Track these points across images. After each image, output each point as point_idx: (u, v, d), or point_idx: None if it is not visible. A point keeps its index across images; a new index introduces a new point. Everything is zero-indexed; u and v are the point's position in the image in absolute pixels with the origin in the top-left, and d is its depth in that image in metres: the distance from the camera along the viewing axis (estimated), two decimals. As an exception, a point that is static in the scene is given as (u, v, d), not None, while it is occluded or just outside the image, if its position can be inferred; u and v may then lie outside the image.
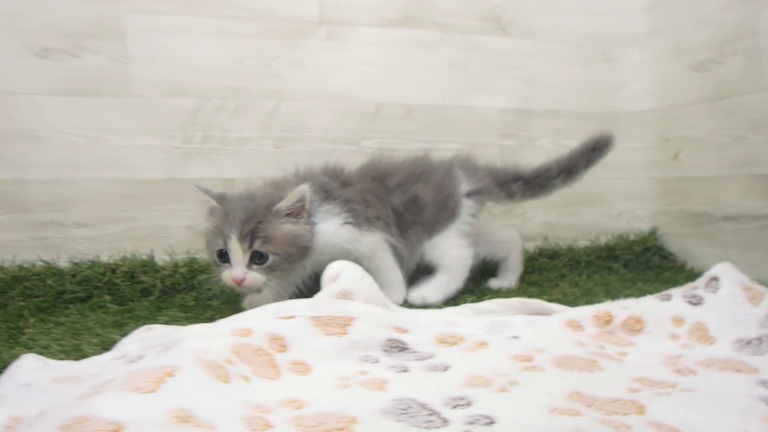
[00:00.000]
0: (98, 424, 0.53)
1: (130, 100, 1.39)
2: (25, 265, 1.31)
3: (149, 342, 0.87)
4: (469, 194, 1.28)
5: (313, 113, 1.49)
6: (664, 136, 1.62)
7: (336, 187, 1.19)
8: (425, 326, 0.88)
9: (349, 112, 1.52)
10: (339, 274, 0.95)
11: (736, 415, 0.59)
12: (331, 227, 1.15)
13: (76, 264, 1.33)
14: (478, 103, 1.59)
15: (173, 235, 1.43)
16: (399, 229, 1.22)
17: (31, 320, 1.12)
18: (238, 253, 1.04)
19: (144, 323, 1.07)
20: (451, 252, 1.26)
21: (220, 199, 1.11)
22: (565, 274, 1.52)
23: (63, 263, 1.33)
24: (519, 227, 1.64)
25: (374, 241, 1.18)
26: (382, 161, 1.32)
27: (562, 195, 1.66)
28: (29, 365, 0.78)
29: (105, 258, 1.36)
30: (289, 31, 1.46)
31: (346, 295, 0.90)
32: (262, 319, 0.82)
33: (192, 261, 1.38)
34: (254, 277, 1.05)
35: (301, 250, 1.10)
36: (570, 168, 1.32)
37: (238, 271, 1.04)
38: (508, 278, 1.39)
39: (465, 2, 1.57)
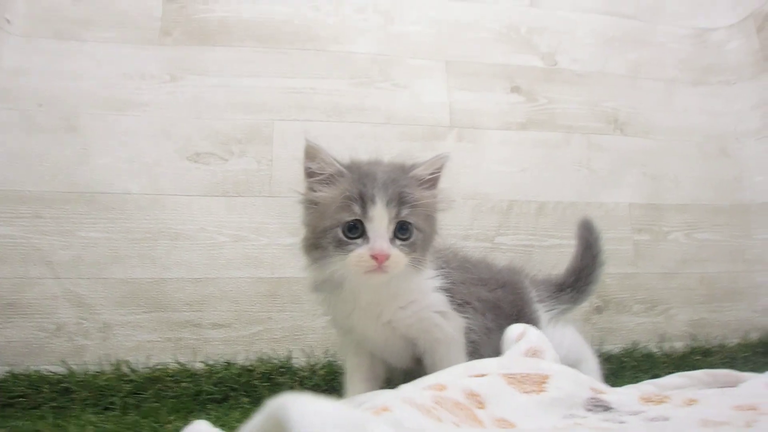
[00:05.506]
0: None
1: (272, 200, 1.31)
2: (159, 366, 1.14)
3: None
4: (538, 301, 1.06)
5: (448, 210, 1.39)
6: (797, 225, 1.47)
7: None
8: (619, 390, 0.76)
9: (483, 209, 1.39)
10: (524, 333, 0.83)
11: None
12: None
13: (211, 366, 1.16)
14: (606, 199, 1.46)
15: (311, 336, 1.27)
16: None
17: (170, 417, 0.95)
18: (382, 221, 0.75)
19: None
20: (564, 344, 1.00)
21: (349, 164, 0.81)
22: (727, 372, 1.29)
23: (197, 365, 1.17)
24: (662, 325, 1.43)
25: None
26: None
27: (704, 291, 1.48)
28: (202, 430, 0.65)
29: (241, 360, 1.19)
30: (424, 134, 1.40)
31: (536, 353, 0.79)
32: (453, 377, 0.70)
33: (330, 363, 1.20)
34: (399, 255, 0.75)
35: (432, 232, 0.83)
36: (594, 254, 1.13)
37: (383, 243, 0.74)
38: None
39: (582, 106, 1.51)
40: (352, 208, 0.75)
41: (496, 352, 0.84)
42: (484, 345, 0.88)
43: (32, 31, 1.30)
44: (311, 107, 1.37)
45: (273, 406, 0.40)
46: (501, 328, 0.90)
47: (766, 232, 1.51)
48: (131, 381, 1.09)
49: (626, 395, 0.72)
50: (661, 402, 0.71)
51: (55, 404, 1.03)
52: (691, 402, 0.69)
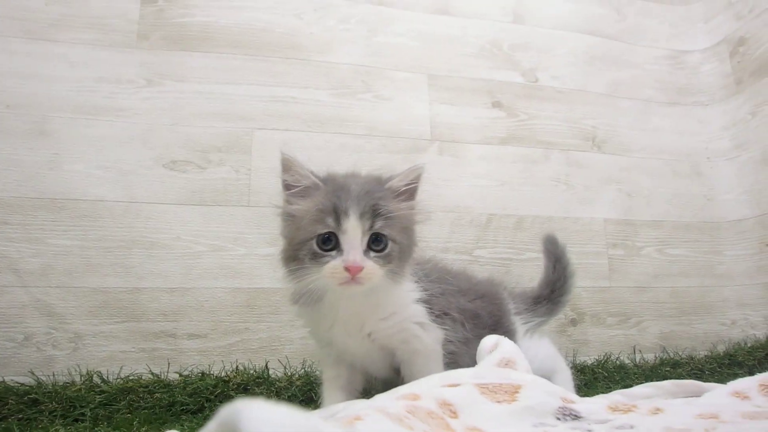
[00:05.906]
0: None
1: (250, 210, 1.29)
2: (132, 377, 1.12)
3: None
4: (516, 314, 1.08)
5: (427, 223, 1.39)
6: (765, 241, 1.50)
7: None
8: (589, 400, 0.77)
9: (462, 222, 1.40)
10: (498, 344, 0.83)
11: None
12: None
13: (186, 376, 1.14)
14: (583, 214, 1.48)
15: (288, 346, 1.25)
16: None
17: (142, 429, 0.93)
18: (356, 233, 0.75)
19: None
20: (539, 356, 1.02)
21: (324, 177, 0.81)
22: (694, 383, 1.33)
23: (172, 375, 1.14)
24: (634, 338, 1.45)
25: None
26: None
27: (675, 305, 1.51)
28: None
29: (217, 370, 1.17)
30: (405, 146, 1.40)
31: (508, 363, 0.80)
32: (428, 387, 0.71)
33: (308, 374, 1.19)
34: (373, 267, 0.75)
35: (409, 243, 0.83)
36: (563, 266, 1.15)
37: (357, 255, 0.74)
38: None
39: (562, 123, 1.53)
40: (325, 221, 0.75)
41: (475, 362, 0.84)
42: (462, 355, 0.88)
43: (2, 30, 1.25)
44: (292, 117, 1.36)
45: (226, 412, 0.38)
46: (480, 338, 0.89)
47: (734, 249, 1.55)
48: (102, 392, 1.05)
49: (595, 404, 0.73)
50: (628, 411, 0.72)
51: (21, 416, 0.99)
52: (657, 411, 0.71)
